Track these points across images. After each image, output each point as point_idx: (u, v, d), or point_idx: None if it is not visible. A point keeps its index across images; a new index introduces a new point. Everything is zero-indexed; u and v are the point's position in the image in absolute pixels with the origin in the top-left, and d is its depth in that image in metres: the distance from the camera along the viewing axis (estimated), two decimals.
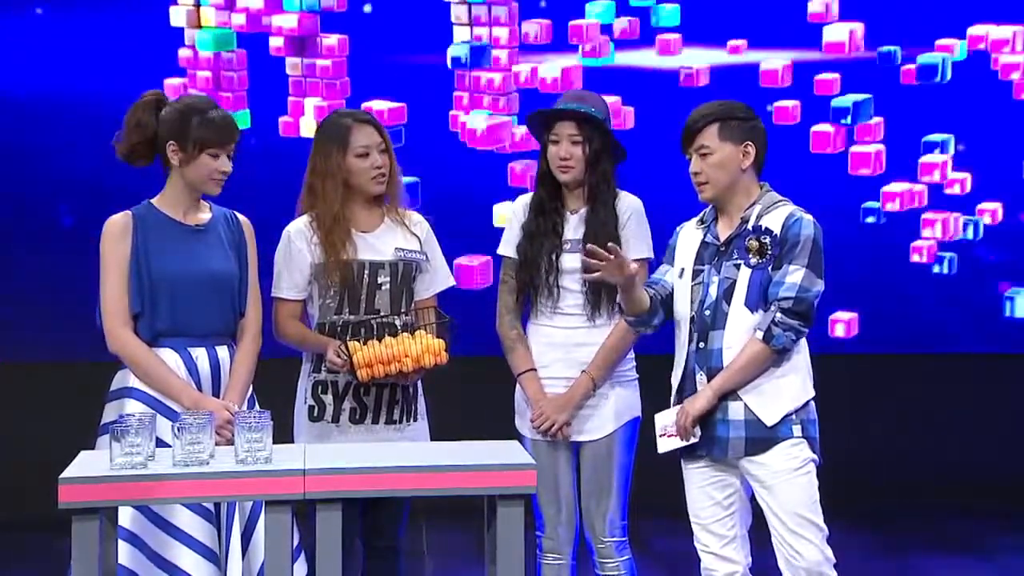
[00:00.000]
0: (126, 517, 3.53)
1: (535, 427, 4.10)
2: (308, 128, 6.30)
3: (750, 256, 3.72)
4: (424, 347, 3.88)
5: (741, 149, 3.75)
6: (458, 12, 6.51)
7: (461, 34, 6.51)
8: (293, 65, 6.44)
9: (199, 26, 6.37)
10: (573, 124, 4.07)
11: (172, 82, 6.31)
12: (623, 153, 4.17)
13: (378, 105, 6.39)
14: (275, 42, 6.43)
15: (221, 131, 3.78)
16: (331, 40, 6.44)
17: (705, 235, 3.83)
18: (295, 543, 3.64)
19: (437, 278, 4.15)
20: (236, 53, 6.40)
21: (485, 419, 4.24)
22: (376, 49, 6.48)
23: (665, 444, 3.81)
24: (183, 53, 6.39)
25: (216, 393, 3.78)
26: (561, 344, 4.12)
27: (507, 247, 4.21)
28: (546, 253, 4.11)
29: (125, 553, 3.52)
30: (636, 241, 4.12)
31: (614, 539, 4.14)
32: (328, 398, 4.01)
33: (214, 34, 6.37)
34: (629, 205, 4.13)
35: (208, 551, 3.59)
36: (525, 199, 4.23)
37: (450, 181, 6.47)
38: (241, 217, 3.95)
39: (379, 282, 4.02)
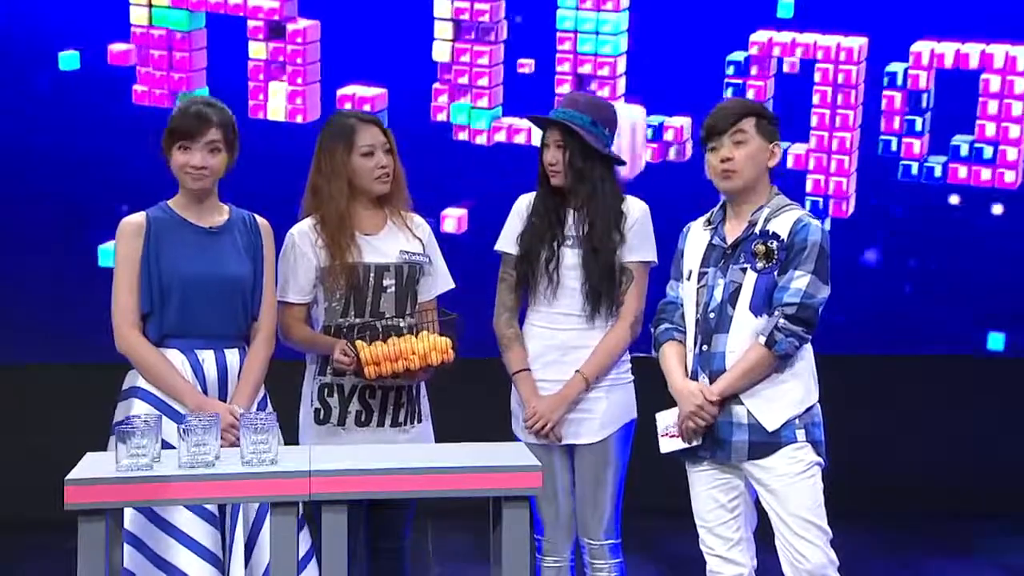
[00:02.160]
0: (126, 518, 3.53)
1: (527, 427, 4.09)
2: (274, 111, 6.22)
3: (757, 260, 3.73)
4: (431, 345, 3.88)
5: (770, 148, 3.78)
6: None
7: (443, 31, 6.44)
8: (257, 50, 6.34)
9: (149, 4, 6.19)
10: (558, 130, 4.09)
11: (116, 47, 6.14)
12: (619, 159, 4.17)
13: (357, 91, 6.32)
14: (253, 24, 6.31)
15: (185, 122, 3.75)
16: (300, 25, 6.35)
17: (712, 237, 3.84)
18: (307, 549, 3.64)
19: (438, 281, 4.16)
20: (195, 33, 6.24)
21: (489, 420, 4.23)
22: (353, 34, 6.36)
23: (667, 444, 3.82)
24: (136, 24, 6.19)
25: (223, 396, 3.77)
26: (558, 346, 4.12)
27: (506, 243, 4.20)
28: (547, 241, 4.11)
29: (125, 553, 3.51)
30: (641, 242, 4.12)
31: (609, 541, 4.14)
32: (334, 400, 4.01)
33: (184, 13, 6.21)
34: (636, 208, 4.13)
35: (208, 553, 3.59)
36: (528, 197, 4.22)
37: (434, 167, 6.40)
38: (260, 219, 3.94)
39: (384, 285, 4.02)
